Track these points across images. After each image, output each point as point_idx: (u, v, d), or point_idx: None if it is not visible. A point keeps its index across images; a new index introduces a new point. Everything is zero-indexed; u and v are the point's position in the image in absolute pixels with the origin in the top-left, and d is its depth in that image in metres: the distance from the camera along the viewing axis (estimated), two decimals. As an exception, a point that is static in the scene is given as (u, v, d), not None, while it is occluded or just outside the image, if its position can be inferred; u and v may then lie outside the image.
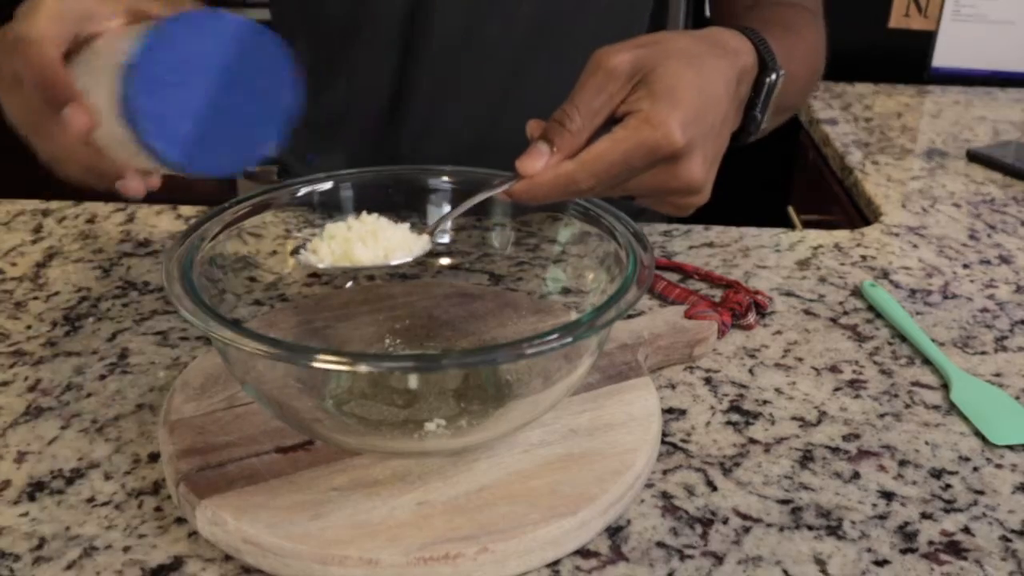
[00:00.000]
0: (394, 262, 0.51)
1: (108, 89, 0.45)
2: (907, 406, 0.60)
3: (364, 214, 0.53)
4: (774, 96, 0.63)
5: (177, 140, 0.43)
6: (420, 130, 0.88)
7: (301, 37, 0.88)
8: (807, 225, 1.23)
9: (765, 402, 0.60)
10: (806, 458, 0.55)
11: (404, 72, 0.85)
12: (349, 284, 0.66)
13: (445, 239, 0.54)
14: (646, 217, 0.95)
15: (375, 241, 0.51)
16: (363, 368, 0.44)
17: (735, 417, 0.59)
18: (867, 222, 0.95)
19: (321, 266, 0.51)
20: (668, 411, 0.59)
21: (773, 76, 0.62)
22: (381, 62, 0.85)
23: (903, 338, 0.68)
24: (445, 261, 0.68)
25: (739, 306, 0.68)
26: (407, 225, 0.53)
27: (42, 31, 0.49)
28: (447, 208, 0.61)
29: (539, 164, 0.53)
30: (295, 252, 0.53)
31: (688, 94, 0.53)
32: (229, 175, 0.50)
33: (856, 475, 0.54)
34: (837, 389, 0.62)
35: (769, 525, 0.50)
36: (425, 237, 0.53)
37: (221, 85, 0.44)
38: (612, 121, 0.53)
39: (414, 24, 0.82)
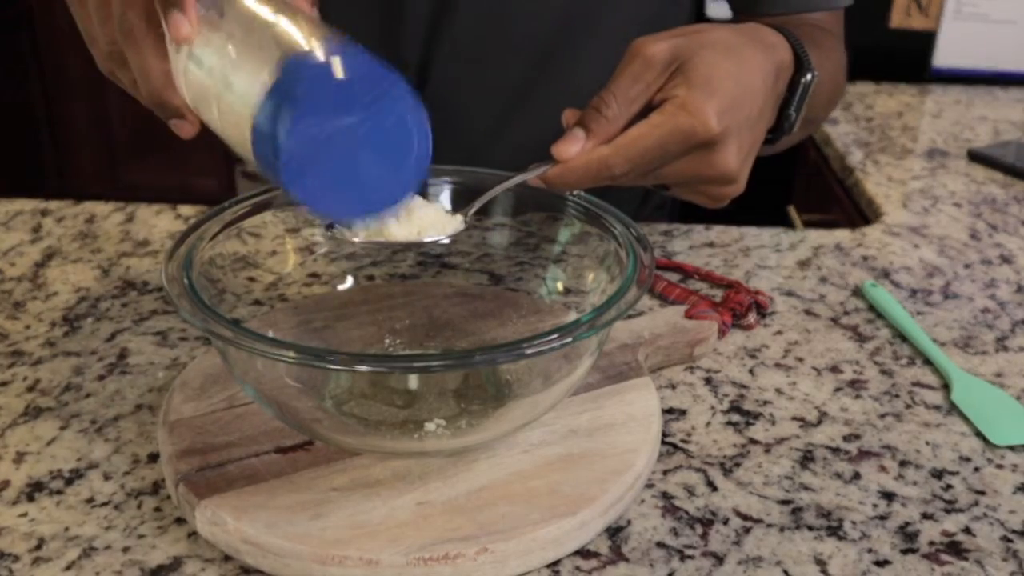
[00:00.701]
0: (427, 239, 0.51)
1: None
2: (908, 406, 0.60)
3: None
4: (808, 97, 0.63)
5: (293, 168, 0.42)
6: (437, 120, 0.87)
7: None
8: (808, 225, 1.23)
9: (765, 402, 0.60)
10: (806, 458, 0.55)
11: (425, 63, 0.84)
12: (348, 284, 0.66)
13: (446, 239, 0.53)
14: (647, 217, 0.94)
15: (409, 218, 0.50)
16: (363, 369, 0.44)
17: (735, 417, 0.58)
18: (868, 222, 0.95)
19: (356, 240, 0.50)
20: (668, 411, 0.59)
21: (809, 76, 0.62)
22: (403, 50, 0.84)
23: (904, 338, 0.68)
24: (445, 261, 0.68)
25: (739, 306, 0.68)
26: (441, 204, 0.53)
27: None
28: (447, 207, 0.61)
29: (574, 149, 0.53)
30: (329, 227, 0.52)
31: (725, 84, 0.53)
32: (321, 214, 0.49)
33: (857, 475, 0.54)
34: (838, 389, 0.62)
35: (769, 525, 0.50)
36: (459, 218, 0.52)
37: (362, 140, 0.43)
38: (648, 110, 0.53)
39: (439, 14, 0.82)
